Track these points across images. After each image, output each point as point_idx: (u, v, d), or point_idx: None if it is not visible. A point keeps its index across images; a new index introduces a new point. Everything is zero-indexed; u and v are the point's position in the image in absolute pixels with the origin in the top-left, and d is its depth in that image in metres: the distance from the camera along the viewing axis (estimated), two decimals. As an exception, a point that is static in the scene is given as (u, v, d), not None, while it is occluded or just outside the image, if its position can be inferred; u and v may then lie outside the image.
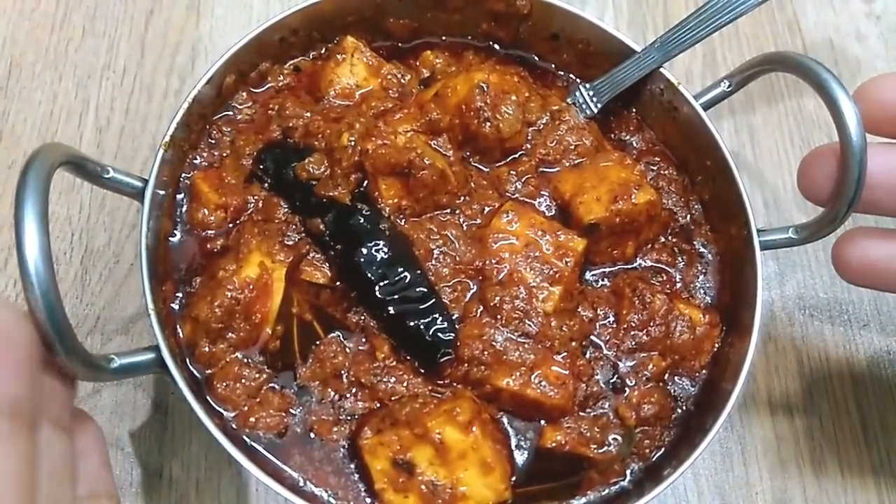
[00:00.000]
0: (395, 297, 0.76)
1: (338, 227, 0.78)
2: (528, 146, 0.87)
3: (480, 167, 0.86)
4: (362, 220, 0.78)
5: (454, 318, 0.77)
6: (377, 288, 0.75)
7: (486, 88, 0.82)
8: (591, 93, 0.90)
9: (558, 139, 0.86)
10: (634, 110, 0.94)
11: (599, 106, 0.90)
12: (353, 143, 0.79)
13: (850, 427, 0.91)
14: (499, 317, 0.77)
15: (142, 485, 0.82)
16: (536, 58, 0.97)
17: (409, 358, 0.76)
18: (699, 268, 0.87)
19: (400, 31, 0.95)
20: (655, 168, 0.91)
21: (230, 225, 0.81)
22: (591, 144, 0.87)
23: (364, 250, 0.76)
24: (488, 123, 0.82)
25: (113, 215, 0.94)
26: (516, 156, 0.87)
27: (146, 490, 0.82)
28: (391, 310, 0.75)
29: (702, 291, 0.86)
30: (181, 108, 0.80)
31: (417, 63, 0.93)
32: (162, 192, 0.78)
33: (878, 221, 1.03)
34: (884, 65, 1.14)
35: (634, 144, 0.93)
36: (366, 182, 0.80)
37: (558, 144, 0.86)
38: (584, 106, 0.90)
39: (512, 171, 0.85)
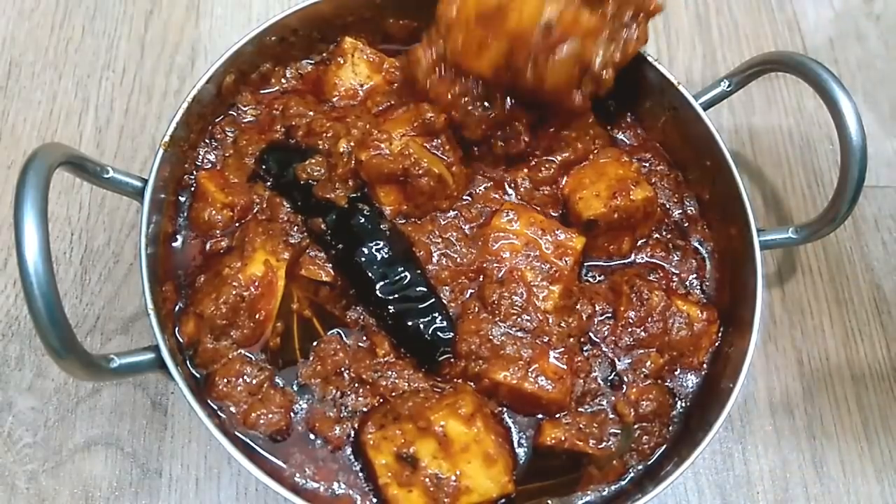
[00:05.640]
0: (395, 296, 0.76)
1: (339, 226, 0.78)
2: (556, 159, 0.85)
3: (485, 170, 0.85)
4: (363, 220, 0.78)
5: (453, 316, 0.77)
6: (377, 287, 0.76)
7: (552, 27, 0.70)
8: None
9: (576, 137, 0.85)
10: (627, 108, 0.94)
11: None
12: (348, 150, 0.79)
13: (851, 426, 0.91)
14: (497, 313, 0.77)
15: (142, 485, 0.82)
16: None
17: (408, 354, 0.76)
18: (695, 264, 0.87)
19: (400, 31, 0.94)
20: (647, 164, 0.91)
21: (237, 224, 0.81)
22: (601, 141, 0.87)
23: (364, 250, 0.76)
24: (532, 71, 0.73)
25: (112, 215, 0.94)
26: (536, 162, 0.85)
27: (146, 490, 0.82)
28: (391, 309, 0.75)
29: (699, 289, 0.86)
30: (181, 107, 0.80)
31: None
32: (162, 192, 0.78)
33: (877, 221, 1.03)
34: (884, 65, 1.14)
35: (626, 141, 0.93)
36: (365, 188, 0.80)
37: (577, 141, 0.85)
38: None
39: (527, 178, 0.85)
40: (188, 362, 0.75)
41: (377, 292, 0.76)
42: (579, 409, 0.77)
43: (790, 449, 0.90)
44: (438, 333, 0.75)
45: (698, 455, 0.71)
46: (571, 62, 0.72)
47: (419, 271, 0.77)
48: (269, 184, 0.83)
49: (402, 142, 0.79)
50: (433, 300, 0.76)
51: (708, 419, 0.74)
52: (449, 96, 0.79)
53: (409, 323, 0.75)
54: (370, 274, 0.76)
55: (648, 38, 0.79)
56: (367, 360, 0.76)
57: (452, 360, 0.75)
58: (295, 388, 0.76)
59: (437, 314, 0.76)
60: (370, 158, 0.77)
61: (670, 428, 0.79)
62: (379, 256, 0.76)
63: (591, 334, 0.80)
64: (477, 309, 0.78)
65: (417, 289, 0.76)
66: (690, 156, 0.90)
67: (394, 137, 0.79)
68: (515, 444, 0.76)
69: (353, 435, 0.74)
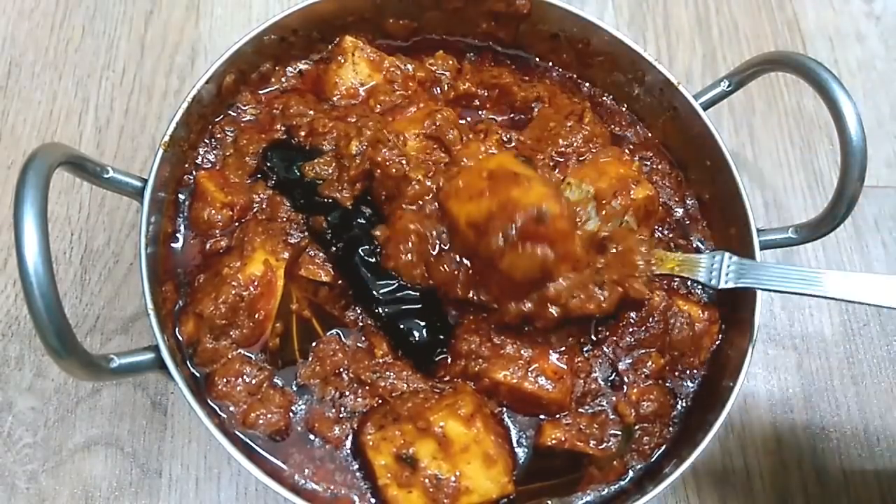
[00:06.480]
0: (391, 298, 0.76)
1: (340, 225, 0.78)
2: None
3: None
4: (364, 221, 0.78)
5: (449, 319, 0.77)
6: (373, 288, 0.76)
7: (544, 218, 0.68)
8: (730, 266, 0.76)
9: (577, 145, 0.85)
10: (626, 106, 0.94)
11: (729, 286, 0.75)
12: (361, 152, 0.79)
13: (850, 426, 0.91)
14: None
15: (142, 485, 0.82)
16: (537, 58, 0.97)
17: (405, 355, 0.76)
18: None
19: (400, 31, 0.94)
20: (649, 163, 0.91)
21: (236, 224, 0.81)
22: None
23: (363, 250, 0.76)
24: (501, 242, 0.69)
25: (112, 215, 0.94)
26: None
27: (146, 490, 0.82)
28: (386, 310, 0.75)
29: (700, 288, 0.86)
30: (181, 107, 0.80)
31: (430, 64, 0.93)
32: (161, 192, 0.78)
33: (877, 222, 1.03)
34: (884, 65, 1.14)
35: (628, 138, 0.93)
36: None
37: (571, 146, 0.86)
38: (712, 274, 0.76)
39: None
40: (188, 362, 0.75)
41: (373, 293, 0.76)
42: (580, 410, 0.77)
43: (790, 449, 0.90)
44: (433, 336, 0.75)
45: (698, 455, 0.71)
46: (538, 263, 0.69)
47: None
48: (271, 182, 0.83)
49: (416, 142, 0.79)
50: (429, 302, 0.76)
51: (708, 419, 0.74)
52: (408, 227, 0.75)
53: (402, 325, 0.75)
54: (368, 274, 0.76)
55: (612, 312, 0.75)
56: (366, 360, 0.76)
57: (449, 360, 0.75)
58: (294, 388, 0.76)
59: (432, 316, 0.76)
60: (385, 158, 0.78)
61: (671, 428, 0.79)
62: (377, 258, 0.76)
63: (591, 334, 0.80)
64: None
65: (413, 291, 0.76)
66: (691, 155, 0.90)
67: (408, 138, 0.80)
68: (515, 445, 0.76)
69: (352, 435, 0.74)
